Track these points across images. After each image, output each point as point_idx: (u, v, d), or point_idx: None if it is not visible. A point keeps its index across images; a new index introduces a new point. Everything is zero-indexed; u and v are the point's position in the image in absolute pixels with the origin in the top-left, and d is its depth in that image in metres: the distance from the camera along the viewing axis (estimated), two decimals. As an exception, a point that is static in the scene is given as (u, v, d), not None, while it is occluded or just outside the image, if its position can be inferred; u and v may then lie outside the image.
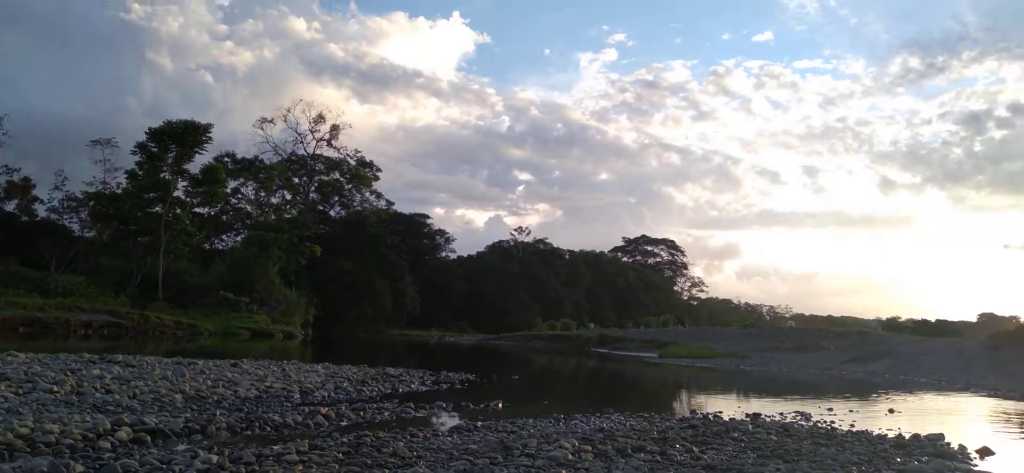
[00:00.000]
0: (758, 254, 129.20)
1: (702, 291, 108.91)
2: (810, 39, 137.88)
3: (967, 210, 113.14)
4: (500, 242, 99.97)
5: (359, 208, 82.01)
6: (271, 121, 76.34)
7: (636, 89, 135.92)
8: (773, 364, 41.54)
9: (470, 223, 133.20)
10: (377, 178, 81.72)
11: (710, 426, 14.14)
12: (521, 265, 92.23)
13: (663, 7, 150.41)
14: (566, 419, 14.68)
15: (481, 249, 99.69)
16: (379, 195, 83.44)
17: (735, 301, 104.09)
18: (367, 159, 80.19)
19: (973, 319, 73.75)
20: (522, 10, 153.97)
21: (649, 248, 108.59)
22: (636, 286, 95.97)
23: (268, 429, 12.03)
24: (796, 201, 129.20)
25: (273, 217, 70.07)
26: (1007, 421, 19.40)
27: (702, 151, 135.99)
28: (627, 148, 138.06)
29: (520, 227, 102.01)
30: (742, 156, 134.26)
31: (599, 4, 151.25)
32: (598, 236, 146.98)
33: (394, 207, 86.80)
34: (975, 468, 11.53)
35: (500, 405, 17.07)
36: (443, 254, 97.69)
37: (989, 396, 26.12)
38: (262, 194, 72.45)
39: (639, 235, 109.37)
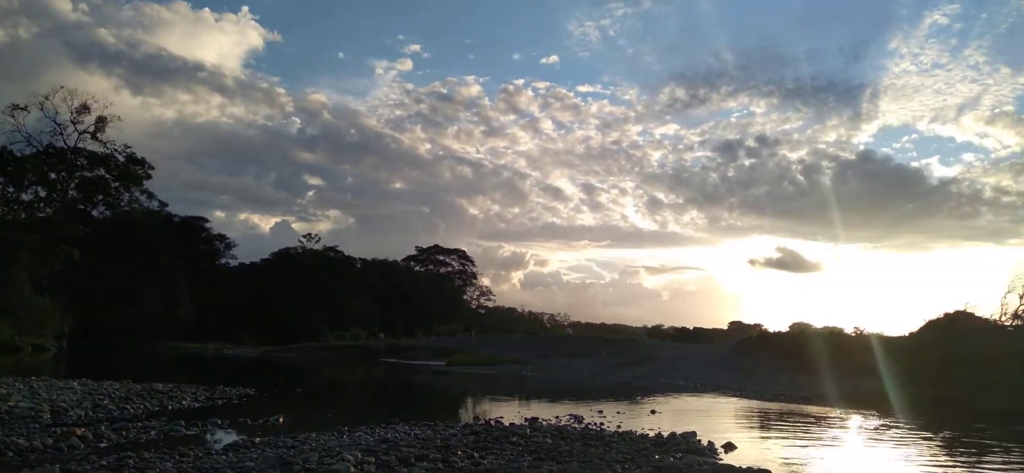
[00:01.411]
0: (541, 265, 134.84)
1: (490, 300, 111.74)
2: (592, 65, 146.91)
3: (721, 230, 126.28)
4: (287, 249, 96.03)
5: (127, 208, 75.14)
6: (24, 108, 67.52)
7: (431, 101, 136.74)
8: (552, 369, 43.74)
9: (255, 228, 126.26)
10: (149, 176, 75.23)
11: (491, 432, 14.68)
12: (310, 273, 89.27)
13: (458, 23, 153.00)
14: (350, 431, 14.53)
15: (266, 256, 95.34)
16: (151, 195, 76.90)
17: (519, 309, 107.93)
18: (138, 155, 73.74)
19: (724, 327, 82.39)
20: (316, 11, 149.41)
21: (441, 257, 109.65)
22: (428, 295, 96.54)
23: (11, 454, 10.76)
24: (576, 216, 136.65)
25: (23, 216, 62.26)
26: (748, 418, 21.98)
27: (493, 165, 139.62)
28: (422, 158, 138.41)
29: (309, 233, 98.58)
30: (529, 172, 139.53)
31: (395, 13, 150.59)
32: (391, 245, 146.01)
33: (168, 208, 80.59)
34: (720, 461, 13.02)
35: (281, 420, 16.52)
36: (223, 260, 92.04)
37: (735, 396, 29.42)
38: (11, 190, 64.08)
39: (432, 245, 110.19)
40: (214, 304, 78.40)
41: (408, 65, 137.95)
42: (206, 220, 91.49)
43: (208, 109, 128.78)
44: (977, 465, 13.83)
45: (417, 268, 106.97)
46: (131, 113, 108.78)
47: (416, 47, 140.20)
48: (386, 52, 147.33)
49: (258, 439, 12.98)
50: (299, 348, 65.56)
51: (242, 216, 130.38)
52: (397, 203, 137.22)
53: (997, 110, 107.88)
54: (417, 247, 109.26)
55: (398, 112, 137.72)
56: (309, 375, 39.70)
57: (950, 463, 14.05)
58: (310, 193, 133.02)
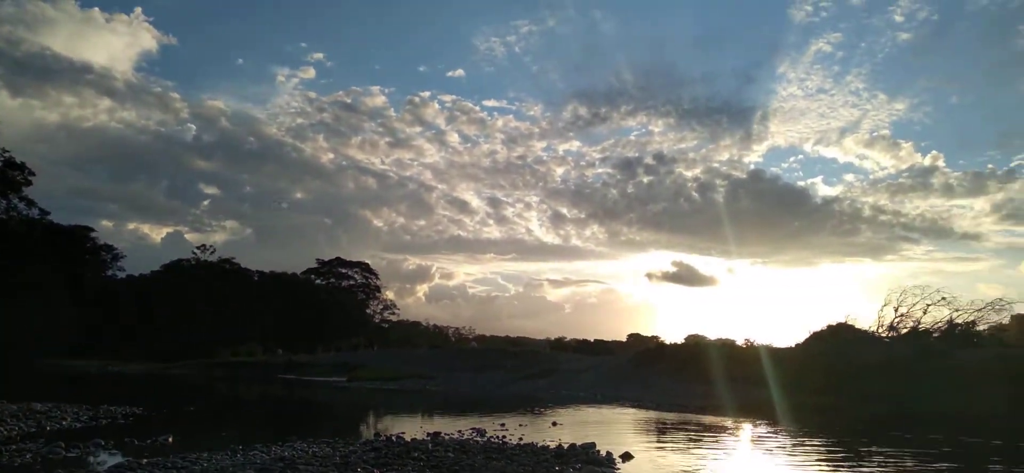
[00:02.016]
0: (447, 278, 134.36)
1: (394, 314, 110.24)
2: (497, 80, 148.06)
3: (621, 244, 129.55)
4: (180, 261, 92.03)
5: (4, 216, 70.42)
6: None
7: (334, 110, 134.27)
8: (457, 383, 43.65)
9: (145, 239, 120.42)
10: (29, 183, 70.77)
11: (392, 448, 14.53)
12: (204, 286, 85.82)
13: (363, 33, 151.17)
14: (245, 450, 14.07)
15: (157, 268, 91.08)
16: (31, 202, 72.29)
17: (424, 323, 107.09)
18: (17, 160, 69.36)
19: (624, 339, 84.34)
20: (214, 15, 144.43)
21: (343, 270, 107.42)
22: (329, 309, 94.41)
23: None
24: (482, 229, 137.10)
25: None
26: (646, 429, 22.56)
27: (398, 177, 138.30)
28: (324, 168, 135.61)
29: (204, 245, 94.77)
30: (435, 184, 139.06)
31: (298, 21, 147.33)
32: (291, 257, 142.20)
33: (50, 217, 75.99)
34: (618, 471, 13.38)
35: (170, 440, 15.82)
36: (111, 272, 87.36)
37: (634, 407, 30.16)
38: None
39: (334, 257, 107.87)
40: (100, 318, 74.30)
41: (311, 73, 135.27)
42: (92, 230, 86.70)
43: (96, 113, 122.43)
44: (855, 469, 14.69)
45: (318, 281, 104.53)
46: (10, 115, 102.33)
47: (319, 55, 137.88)
48: (288, 59, 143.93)
49: (145, 460, 12.39)
50: (192, 365, 62.94)
51: (131, 226, 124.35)
52: (297, 213, 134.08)
53: (875, 134, 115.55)
54: (318, 259, 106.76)
55: (300, 121, 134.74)
56: (201, 393, 38.14)
57: (832, 467, 14.87)
58: (205, 202, 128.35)
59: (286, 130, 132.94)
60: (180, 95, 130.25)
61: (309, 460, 12.65)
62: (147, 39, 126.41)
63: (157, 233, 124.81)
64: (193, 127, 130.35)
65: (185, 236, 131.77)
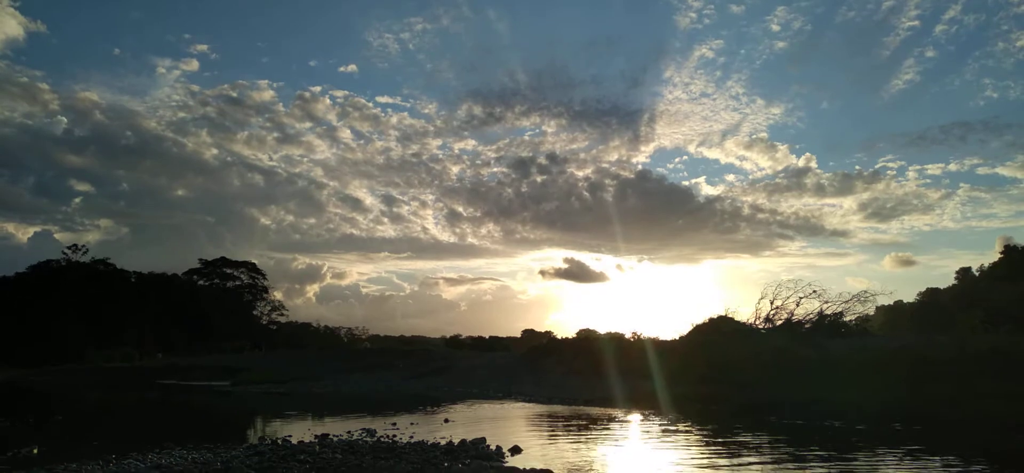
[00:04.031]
0: (339, 277, 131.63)
1: (282, 315, 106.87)
2: (391, 77, 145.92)
3: (515, 242, 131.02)
4: (48, 262, 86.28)
5: None
6: None
7: (219, 104, 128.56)
8: (348, 384, 42.90)
9: (8, 239, 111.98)
10: None
11: (277, 451, 14.15)
12: (75, 289, 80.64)
13: (250, 25, 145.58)
14: (118, 459, 13.38)
15: (22, 269, 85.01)
16: None
17: (315, 324, 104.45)
18: None
19: (518, 335, 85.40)
20: (89, 1, 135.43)
21: (228, 271, 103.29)
22: (213, 311, 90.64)
23: None
24: (375, 228, 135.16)
25: None
26: (536, 422, 22.93)
27: (287, 174, 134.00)
28: (208, 164, 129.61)
29: (75, 245, 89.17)
30: (326, 182, 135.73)
31: (181, 10, 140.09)
32: (171, 257, 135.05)
33: None
34: (506, 465, 13.56)
35: (36, 451, 14.85)
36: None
37: (526, 401, 30.58)
38: None
39: (218, 257, 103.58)
40: (-46, 325, 68.61)
41: (194, 65, 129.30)
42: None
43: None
44: (731, 455, 15.46)
45: (201, 282, 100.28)
46: None
47: (203, 47, 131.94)
48: (169, 50, 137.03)
49: (4, 475, 11.59)
50: (61, 371, 59.04)
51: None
52: (179, 212, 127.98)
53: (753, 136, 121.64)
54: (201, 259, 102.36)
55: (182, 114, 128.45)
56: (71, 401, 35.85)
57: (710, 454, 15.60)
58: (77, 200, 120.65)
59: (167, 124, 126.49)
60: (49, 86, 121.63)
61: (188, 467, 12.17)
62: (12, 25, 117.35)
63: (23, 233, 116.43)
64: (64, 120, 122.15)
65: (55, 236, 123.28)
